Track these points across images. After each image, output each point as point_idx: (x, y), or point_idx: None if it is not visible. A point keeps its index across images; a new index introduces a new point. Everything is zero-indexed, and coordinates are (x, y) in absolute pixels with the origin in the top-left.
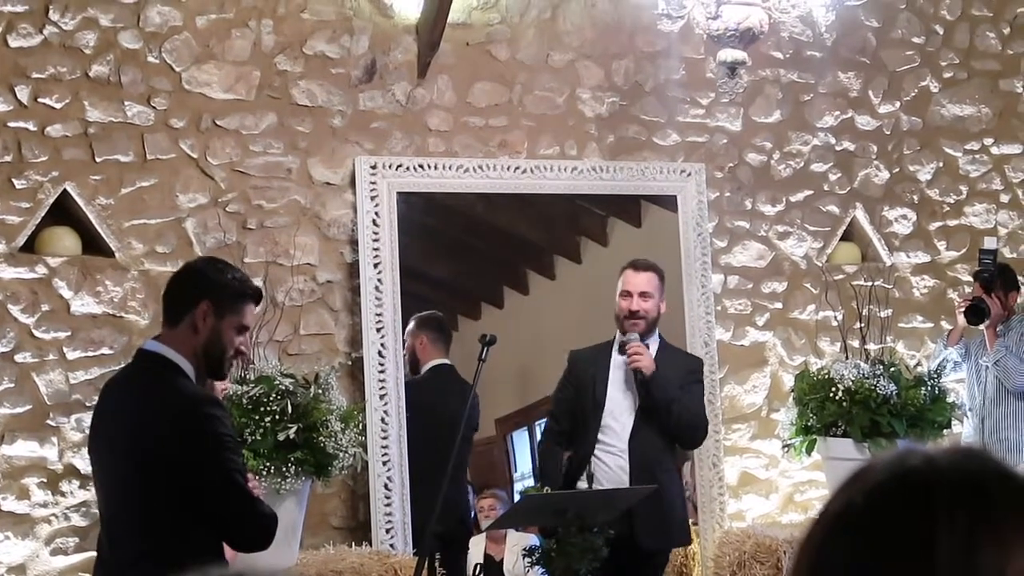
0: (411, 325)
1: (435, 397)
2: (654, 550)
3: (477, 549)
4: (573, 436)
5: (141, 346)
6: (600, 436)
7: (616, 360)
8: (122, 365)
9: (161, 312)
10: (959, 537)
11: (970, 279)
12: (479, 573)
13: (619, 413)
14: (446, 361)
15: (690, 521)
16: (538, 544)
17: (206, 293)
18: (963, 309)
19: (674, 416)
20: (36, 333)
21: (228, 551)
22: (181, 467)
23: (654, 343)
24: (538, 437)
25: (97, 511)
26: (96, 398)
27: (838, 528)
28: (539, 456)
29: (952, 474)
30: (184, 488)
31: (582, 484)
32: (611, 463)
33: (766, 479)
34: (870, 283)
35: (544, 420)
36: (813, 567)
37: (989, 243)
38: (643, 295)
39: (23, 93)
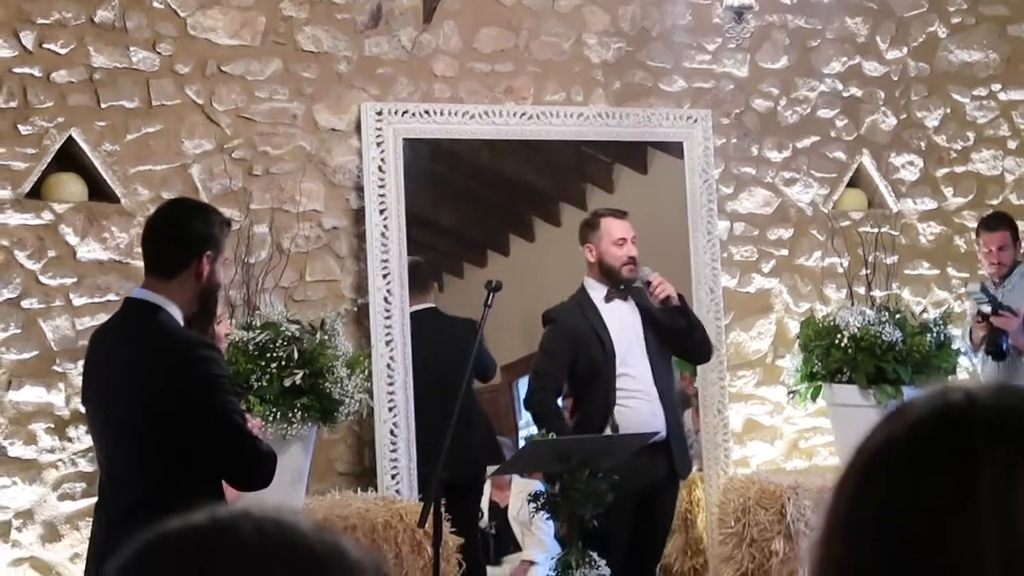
0: None
1: (416, 343)
2: (684, 476)
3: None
4: (584, 393)
5: (129, 295)
6: (619, 385)
7: (606, 309)
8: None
9: (144, 261)
10: (1000, 471)
11: (976, 226)
12: (480, 517)
13: (632, 358)
14: (428, 305)
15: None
16: (543, 490)
17: (205, 245)
18: (989, 351)
19: (700, 330)
20: (42, 279)
21: (231, 492)
22: (178, 410)
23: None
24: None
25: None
26: None
27: (878, 463)
28: (541, 411)
29: (992, 410)
30: (181, 431)
31: (607, 433)
32: (638, 408)
33: (771, 426)
34: (876, 230)
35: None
36: (852, 502)
37: (972, 288)
38: (633, 240)
39: (28, 39)
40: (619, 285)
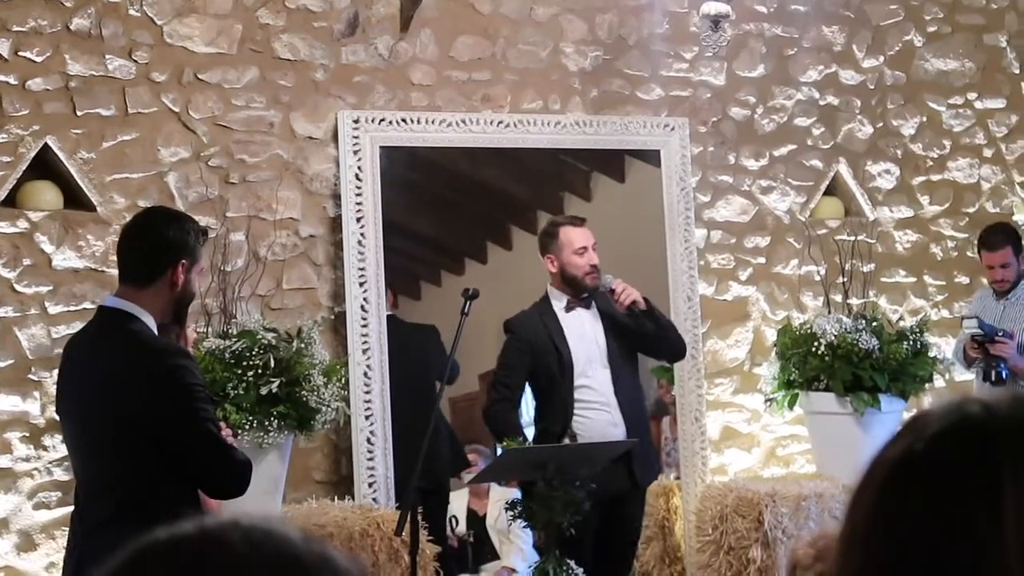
0: None
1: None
2: (646, 484)
3: (460, 503)
4: (544, 402)
5: (102, 303)
6: (578, 396)
7: (567, 319)
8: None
9: (119, 269)
10: (1022, 484)
11: (952, 234)
12: (456, 525)
13: (591, 369)
14: (386, 313)
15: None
16: (520, 498)
17: (181, 253)
18: (990, 380)
19: (673, 331)
20: (18, 287)
21: (208, 501)
22: (153, 419)
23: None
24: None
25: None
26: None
27: (897, 477)
28: (498, 423)
29: (1012, 422)
30: (158, 440)
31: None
32: (596, 419)
33: (748, 433)
34: (853, 238)
35: None
36: (873, 514)
37: (969, 323)
38: (593, 247)
39: (3, 46)
40: (582, 294)
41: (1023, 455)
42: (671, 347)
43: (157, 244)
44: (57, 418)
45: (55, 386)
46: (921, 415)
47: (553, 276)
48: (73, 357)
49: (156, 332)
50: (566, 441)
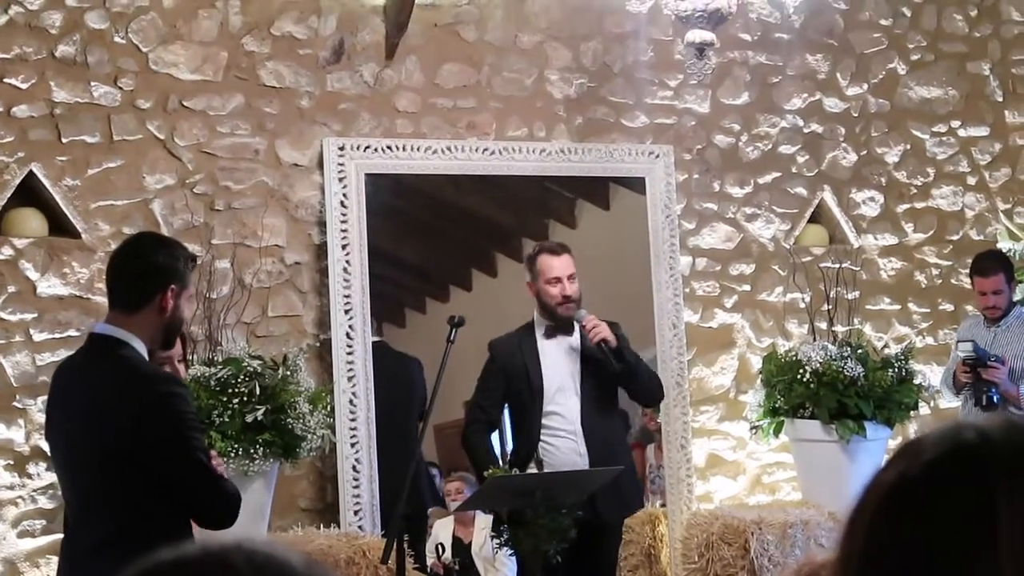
0: None
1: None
2: (613, 521)
3: (445, 531)
4: (515, 427)
5: (91, 330)
6: (545, 422)
7: (545, 345)
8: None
9: (108, 295)
10: (1018, 511)
11: (937, 261)
12: (443, 553)
13: (562, 397)
14: (377, 339)
15: (644, 497)
16: (505, 526)
17: (170, 279)
18: (981, 404)
19: (643, 377)
20: (2, 315)
21: (198, 529)
22: (143, 447)
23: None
24: (506, 419)
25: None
26: None
27: (892, 503)
28: (472, 448)
29: (1006, 447)
30: (148, 468)
31: (532, 471)
32: (562, 447)
33: (734, 461)
34: (838, 265)
35: None
36: (868, 539)
37: (963, 348)
38: (570, 278)
39: None
40: (555, 323)
41: (1018, 480)
42: (643, 391)
43: (146, 270)
44: (45, 445)
45: (43, 414)
46: (916, 440)
47: (534, 303)
48: (62, 384)
49: (147, 358)
50: (531, 467)
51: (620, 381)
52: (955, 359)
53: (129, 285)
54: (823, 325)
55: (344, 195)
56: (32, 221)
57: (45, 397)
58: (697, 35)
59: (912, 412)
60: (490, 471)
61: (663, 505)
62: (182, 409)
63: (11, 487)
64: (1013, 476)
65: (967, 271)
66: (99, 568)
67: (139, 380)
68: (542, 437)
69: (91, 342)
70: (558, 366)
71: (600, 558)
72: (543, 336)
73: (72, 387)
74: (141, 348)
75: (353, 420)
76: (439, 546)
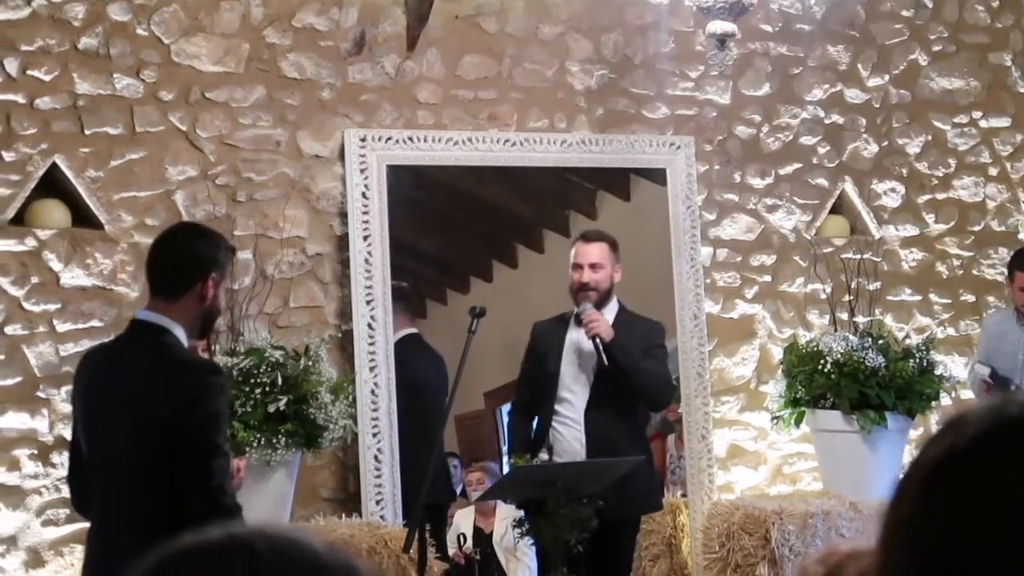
0: None
1: (399, 368)
2: (617, 520)
3: (467, 521)
4: (533, 408)
5: (135, 316)
6: (557, 408)
7: (571, 333)
8: (112, 337)
9: (149, 283)
10: None
11: (958, 252)
12: (464, 543)
13: (574, 386)
14: (411, 331)
15: (664, 489)
16: (526, 515)
17: (210, 267)
18: None
19: (638, 379)
20: (26, 306)
21: None
22: (174, 433)
23: (611, 311)
24: None
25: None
26: None
27: (940, 475)
28: (510, 430)
29: None
30: (172, 452)
31: (543, 456)
32: (568, 435)
33: (755, 451)
34: (859, 256)
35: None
36: (914, 514)
37: (981, 371)
38: (593, 266)
39: (11, 66)
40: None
41: None
42: (642, 394)
43: (188, 258)
44: (69, 434)
45: (67, 404)
46: (960, 415)
47: None
48: (100, 366)
49: (186, 345)
50: (543, 453)
51: (622, 381)
52: (976, 375)
53: (171, 273)
54: (844, 316)
55: (366, 186)
56: (55, 212)
57: (69, 387)
58: (718, 26)
59: (933, 403)
60: (513, 460)
61: (684, 495)
62: (219, 407)
63: (35, 476)
64: None
65: (988, 262)
66: (127, 550)
67: (185, 368)
68: (552, 423)
69: (134, 328)
70: (580, 354)
71: (616, 552)
72: (573, 324)
73: (112, 371)
74: (182, 335)
75: (375, 410)
76: (460, 536)
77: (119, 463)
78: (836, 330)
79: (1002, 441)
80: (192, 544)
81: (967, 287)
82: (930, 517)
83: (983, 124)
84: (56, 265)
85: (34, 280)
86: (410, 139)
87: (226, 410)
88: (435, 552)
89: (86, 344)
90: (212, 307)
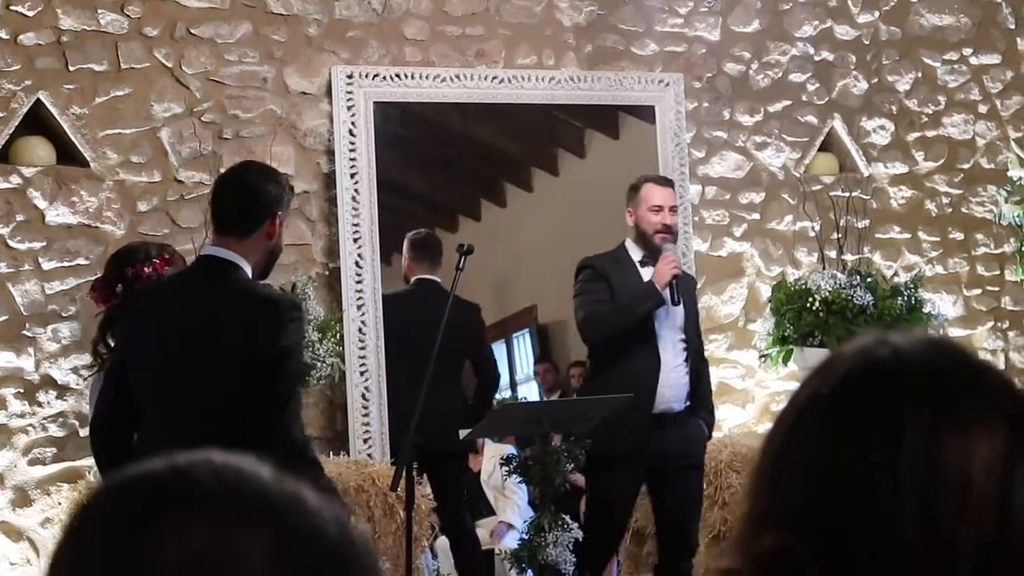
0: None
1: (412, 308)
2: (684, 466)
3: None
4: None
5: (204, 252)
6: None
7: (642, 271)
8: (98, 275)
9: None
10: (923, 432)
11: (947, 190)
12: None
13: (666, 328)
14: (429, 276)
15: None
16: (515, 454)
17: (277, 207)
18: None
19: (695, 318)
20: (11, 243)
21: None
22: (254, 367)
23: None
24: (516, 348)
25: (79, 420)
26: (72, 308)
27: (803, 421)
28: (604, 316)
29: (919, 367)
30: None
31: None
32: (673, 380)
33: (743, 389)
34: (848, 194)
35: (521, 333)
36: (779, 456)
37: None
38: (672, 209)
39: None
40: (650, 252)
41: (926, 402)
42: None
43: (258, 197)
44: (55, 373)
45: (53, 342)
46: (833, 357)
47: (629, 229)
48: (167, 299)
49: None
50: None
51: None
52: None
53: (241, 211)
54: (832, 254)
55: (352, 123)
56: (40, 149)
57: (54, 326)
58: None
59: None
60: (499, 400)
61: None
62: (297, 342)
63: (21, 415)
64: (921, 397)
65: (977, 200)
66: None
67: (263, 301)
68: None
69: (202, 263)
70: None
71: (676, 497)
72: (639, 264)
73: (182, 303)
74: (250, 272)
75: (362, 348)
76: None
77: (200, 397)
78: (824, 268)
79: (864, 385)
80: (131, 475)
81: (956, 225)
82: (791, 464)
83: (973, 61)
84: (41, 203)
85: (19, 218)
86: (397, 76)
87: (302, 352)
88: (422, 491)
89: (72, 282)
90: (276, 245)
